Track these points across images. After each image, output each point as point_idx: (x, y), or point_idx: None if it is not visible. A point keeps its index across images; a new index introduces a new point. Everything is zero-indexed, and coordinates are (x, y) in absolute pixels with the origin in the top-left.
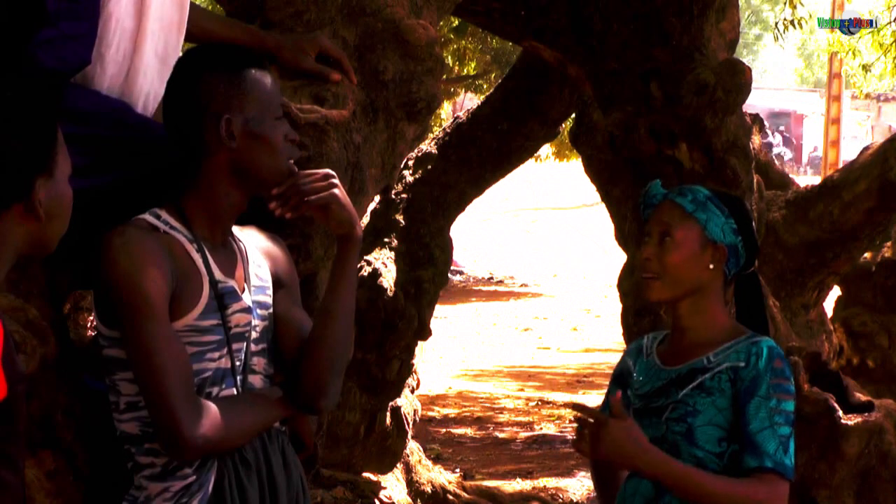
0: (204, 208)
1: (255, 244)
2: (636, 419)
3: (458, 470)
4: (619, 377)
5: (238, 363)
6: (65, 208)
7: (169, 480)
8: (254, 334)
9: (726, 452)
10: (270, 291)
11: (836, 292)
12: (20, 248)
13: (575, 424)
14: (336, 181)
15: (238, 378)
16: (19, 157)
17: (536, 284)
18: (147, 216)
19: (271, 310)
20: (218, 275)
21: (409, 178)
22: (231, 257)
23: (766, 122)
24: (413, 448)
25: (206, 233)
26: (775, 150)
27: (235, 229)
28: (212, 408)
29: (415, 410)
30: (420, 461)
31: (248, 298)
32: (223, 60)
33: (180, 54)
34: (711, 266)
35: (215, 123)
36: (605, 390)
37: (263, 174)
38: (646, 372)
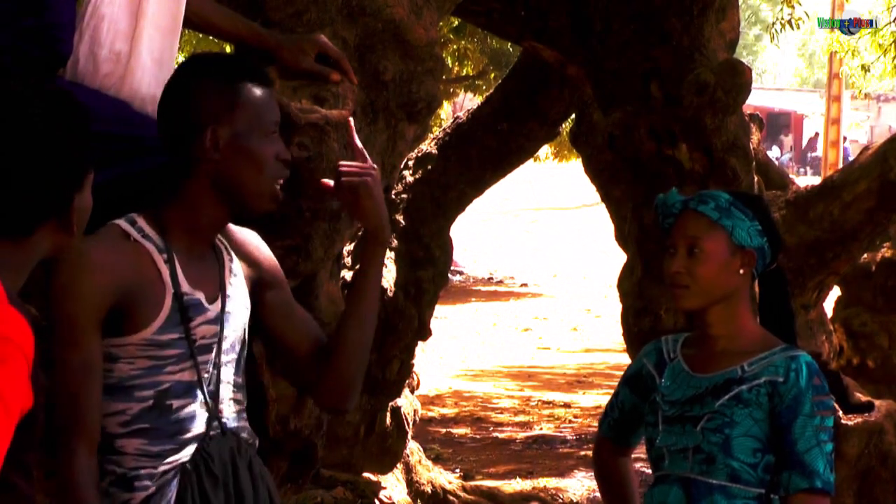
0: (182, 220)
1: (234, 247)
2: (668, 426)
3: (457, 470)
4: (634, 379)
5: (206, 375)
6: (87, 217)
7: (130, 491)
8: (224, 345)
9: (760, 463)
10: (248, 302)
11: (836, 292)
12: (43, 256)
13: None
14: (375, 174)
15: (207, 389)
16: (60, 177)
17: (536, 284)
18: (122, 222)
19: (246, 320)
20: (185, 287)
21: (409, 179)
22: (208, 266)
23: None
24: (413, 448)
25: (182, 244)
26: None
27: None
28: (84, 466)
29: (415, 410)
30: (420, 461)
31: (216, 309)
32: (219, 71)
33: (175, 58)
34: (741, 271)
35: (202, 134)
36: (604, 390)
37: (245, 191)
38: (674, 378)
